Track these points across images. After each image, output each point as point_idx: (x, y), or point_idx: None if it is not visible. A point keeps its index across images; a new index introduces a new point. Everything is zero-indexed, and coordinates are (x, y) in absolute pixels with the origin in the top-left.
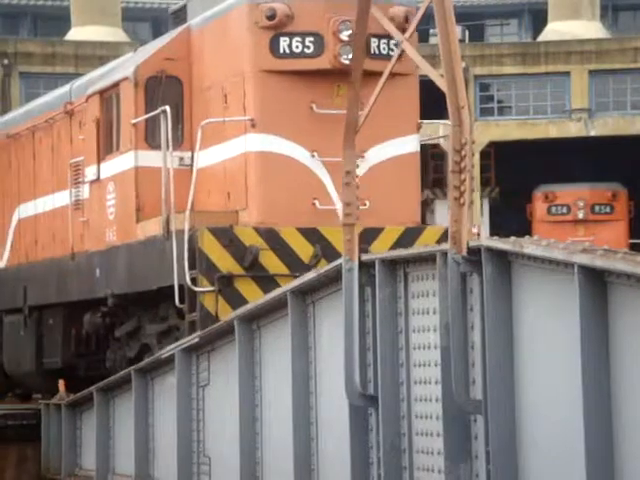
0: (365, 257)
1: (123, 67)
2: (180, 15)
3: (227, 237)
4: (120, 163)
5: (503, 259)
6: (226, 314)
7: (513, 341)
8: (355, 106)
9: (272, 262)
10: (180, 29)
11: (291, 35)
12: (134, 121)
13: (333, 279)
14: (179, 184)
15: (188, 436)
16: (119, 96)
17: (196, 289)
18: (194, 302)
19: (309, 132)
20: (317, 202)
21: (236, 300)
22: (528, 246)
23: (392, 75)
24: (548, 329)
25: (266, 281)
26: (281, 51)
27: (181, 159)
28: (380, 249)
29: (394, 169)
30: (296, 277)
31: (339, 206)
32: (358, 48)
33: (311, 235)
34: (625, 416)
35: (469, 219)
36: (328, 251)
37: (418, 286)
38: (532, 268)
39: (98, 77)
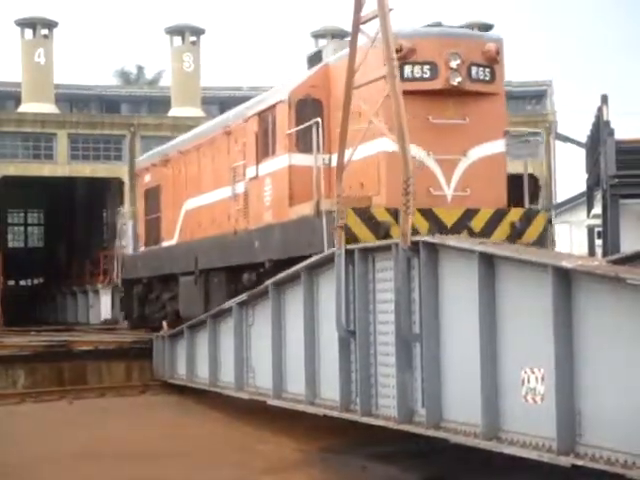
0: (349, 247)
1: (276, 94)
2: (315, 58)
3: (366, 215)
4: (276, 163)
5: (433, 248)
6: None
7: (438, 299)
8: (343, 146)
9: (398, 234)
10: (320, 65)
11: (413, 64)
12: (288, 132)
13: (330, 260)
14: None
15: (241, 355)
16: (275, 114)
17: None
18: None
19: (426, 137)
20: (431, 189)
21: None
22: (449, 241)
23: (485, 94)
24: (459, 293)
25: None
26: (406, 76)
27: (323, 159)
28: (477, 225)
29: (487, 165)
30: None
31: (448, 192)
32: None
33: (426, 214)
34: (503, 344)
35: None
36: (439, 226)
37: (381, 265)
38: (451, 254)
39: (251, 105)
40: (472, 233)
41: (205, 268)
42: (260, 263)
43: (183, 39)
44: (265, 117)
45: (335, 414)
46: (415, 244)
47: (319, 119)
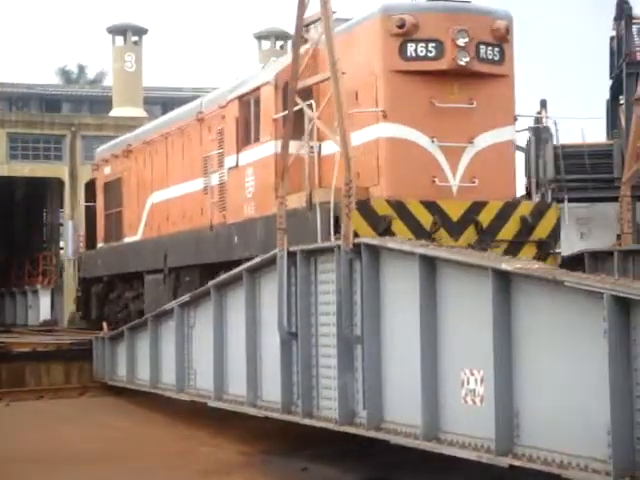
0: (291, 248)
1: (260, 76)
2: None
3: (365, 207)
4: (260, 151)
5: (374, 250)
6: None
7: (379, 301)
8: (287, 144)
9: (400, 229)
10: (308, 45)
11: (417, 41)
12: (275, 116)
13: (272, 262)
14: (309, 168)
15: (182, 357)
16: (259, 98)
17: None
18: None
19: (429, 122)
20: (436, 179)
21: None
22: (389, 242)
23: (494, 76)
24: (401, 295)
25: None
26: (408, 55)
27: (312, 148)
28: (485, 219)
29: (496, 153)
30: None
31: (454, 183)
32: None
33: (431, 207)
34: (443, 346)
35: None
36: (444, 220)
37: (323, 267)
38: (393, 256)
39: (231, 89)
40: (480, 227)
41: (175, 266)
42: (240, 260)
43: (125, 39)
44: (247, 101)
45: (276, 416)
46: (357, 246)
47: (312, 101)
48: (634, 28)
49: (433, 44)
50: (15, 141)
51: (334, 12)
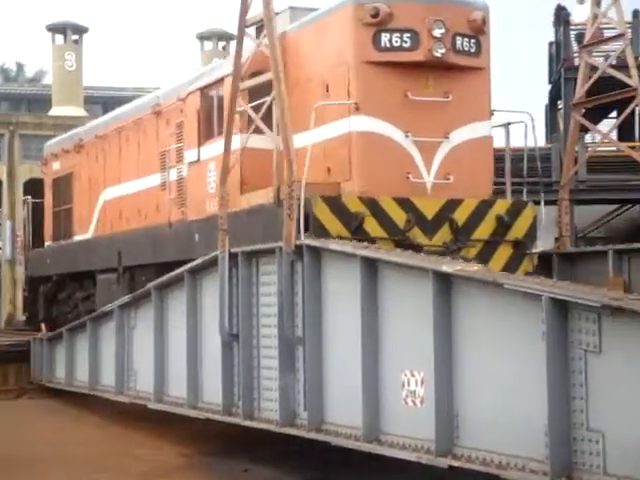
0: (233, 250)
1: (224, 66)
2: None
3: (336, 204)
4: (223, 146)
5: (316, 252)
6: None
7: (321, 302)
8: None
9: (373, 227)
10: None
11: (391, 31)
12: (239, 109)
13: (213, 263)
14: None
15: (122, 359)
16: (222, 90)
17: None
18: None
19: (403, 115)
20: (410, 175)
21: None
22: (331, 244)
23: (470, 69)
24: (342, 296)
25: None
26: (382, 45)
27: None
28: (460, 218)
29: (471, 150)
30: (394, 240)
31: (428, 179)
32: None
33: (404, 204)
34: (384, 347)
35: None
36: (418, 218)
37: (265, 268)
38: (334, 258)
39: (191, 80)
40: (455, 226)
41: (130, 265)
42: None
43: (65, 37)
44: (209, 93)
45: (217, 418)
46: (299, 247)
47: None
48: (572, 34)
49: (408, 34)
50: None
51: (277, 13)
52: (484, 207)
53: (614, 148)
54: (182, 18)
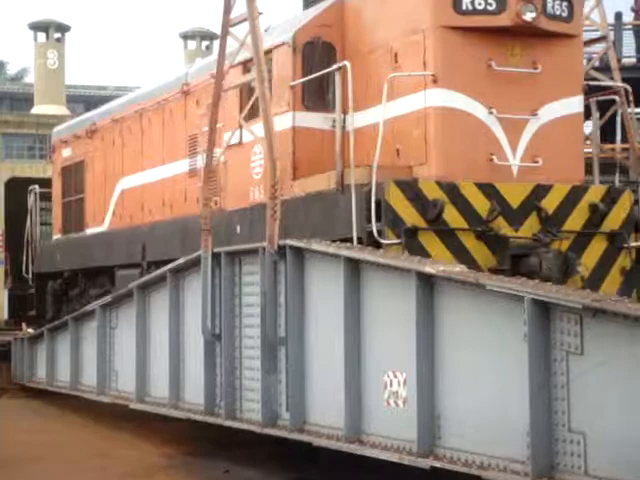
0: (215, 250)
1: (275, 36)
2: None
3: (412, 190)
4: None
5: (299, 252)
6: None
7: (304, 303)
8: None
9: (453, 216)
10: (332, 1)
11: None
12: (293, 84)
13: (196, 262)
14: (330, 146)
15: (103, 359)
16: (271, 62)
17: (383, 241)
18: None
19: (487, 89)
20: (495, 157)
21: (419, 253)
22: (314, 245)
23: (562, 36)
24: (325, 297)
25: (448, 235)
26: (464, 7)
27: (334, 120)
28: (549, 206)
29: (563, 129)
30: (477, 231)
31: (514, 162)
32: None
33: (487, 190)
34: (367, 348)
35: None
36: (503, 206)
37: (248, 268)
38: (317, 258)
39: (230, 54)
40: (545, 215)
41: (156, 260)
42: None
43: (47, 35)
44: (252, 67)
45: (199, 418)
46: (282, 248)
47: (346, 62)
48: None
49: None
50: None
51: (260, 13)
52: (576, 194)
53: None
54: (165, 17)
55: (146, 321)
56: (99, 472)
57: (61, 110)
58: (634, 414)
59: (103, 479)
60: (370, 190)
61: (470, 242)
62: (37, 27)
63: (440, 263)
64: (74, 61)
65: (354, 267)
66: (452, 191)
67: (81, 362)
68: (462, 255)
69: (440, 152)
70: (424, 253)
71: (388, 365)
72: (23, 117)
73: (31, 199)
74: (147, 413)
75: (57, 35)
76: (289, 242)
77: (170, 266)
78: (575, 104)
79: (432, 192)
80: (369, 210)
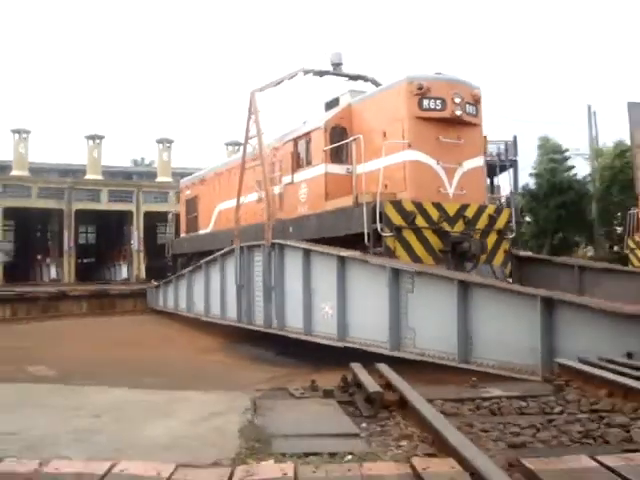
0: (241, 244)
1: (311, 124)
2: (333, 102)
3: (398, 206)
4: (312, 172)
5: (281, 246)
6: (397, 249)
7: (283, 270)
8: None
9: (420, 221)
10: (344, 105)
11: (429, 98)
12: (325, 148)
13: (232, 252)
14: (345, 182)
15: (191, 295)
16: (310, 138)
17: (383, 234)
18: (378, 242)
19: (436, 151)
20: (441, 189)
21: (402, 241)
22: (289, 242)
23: (472, 124)
24: (294, 268)
25: (418, 231)
26: (424, 107)
27: (347, 169)
28: (469, 215)
29: (474, 174)
30: (432, 229)
31: (450, 191)
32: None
33: (437, 206)
34: (314, 291)
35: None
36: (445, 215)
37: (257, 254)
38: (290, 249)
39: (284, 135)
40: (466, 220)
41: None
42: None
43: (163, 145)
44: (299, 141)
45: (234, 324)
46: (273, 244)
47: (360, 135)
48: None
49: (439, 100)
50: None
51: (262, 133)
52: (482, 209)
53: None
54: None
55: (209, 279)
56: (188, 348)
57: (169, 179)
58: (435, 319)
59: (190, 351)
60: (375, 206)
61: (429, 235)
62: (159, 141)
63: (350, 251)
64: (177, 156)
65: (307, 253)
66: (419, 207)
67: (179, 297)
68: (424, 242)
69: (412, 185)
70: (405, 242)
71: (324, 298)
72: (151, 184)
73: (170, 217)
74: (210, 323)
75: (167, 145)
76: (276, 241)
77: (219, 253)
78: (480, 161)
79: (409, 207)
80: (375, 216)
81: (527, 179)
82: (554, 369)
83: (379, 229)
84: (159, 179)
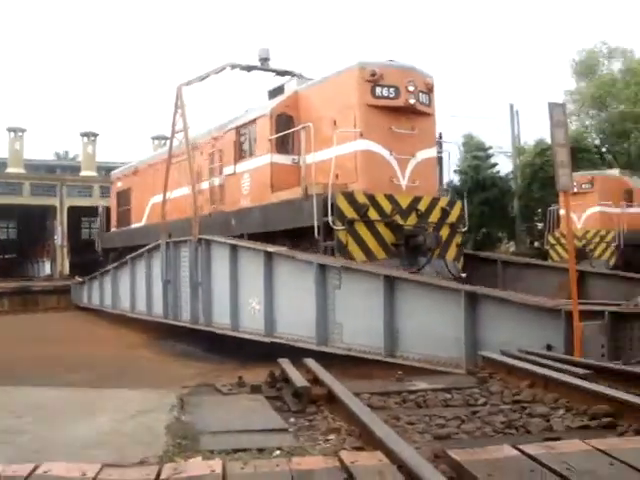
0: (168, 240)
1: (257, 111)
2: (278, 90)
3: (350, 197)
4: (256, 162)
5: (208, 241)
6: (350, 244)
7: (210, 265)
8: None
9: (372, 213)
10: (290, 92)
11: (382, 86)
12: (271, 137)
13: (158, 247)
14: (291, 173)
15: (117, 290)
16: (255, 126)
17: (335, 227)
18: (329, 236)
19: (389, 141)
20: (394, 180)
21: (355, 235)
22: (215, 238)
23: (426, 114)
24: (221, 263)
25: (370, 224)
26: (377, 94)
27: (293, 159)
28: (422, 208)
29: (426, 165)
30: (385, 222)
31: (403, 183)
32: None
33: (390, 198)
34: (241, 286)
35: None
36: (398, 208)
37: (183, 249)
38: (217, 244)
39: (225, 124)
40: (419, 213)
41: (173, 240)
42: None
43: (89, 138)
44: (243, 129)
45: (160, 320)
46: (199, 240)
47: (310, 123)
48: None
49: (393, 89)
50: None
51: (188, 127)
52: (434, 202)
53: None
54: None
55: (135, 274)
56: (114, 344)
57: (93, 174)
58: (362, 314)
59: (116, 347)
60: (326, 197)
61: (382, 228)
62: (84, 134)
63: (275, 247)
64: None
65: (234, 249)
66: (372, 199)
67: (105, 293)
68: (377, 235)
69: (364, 175)
70: (357, 235)
71: (251, 294)
72: (75, 178)
73: (100, 211)
74: (136, 319)
75: (92, 138)
76: (203, 237)
77: (146, 248)
78: (433, 152)
79: (361, 199)
80: (326, 209)
81: (452, 175)
82: (478, 362)
83: (330, 222)
84: (83, 173)
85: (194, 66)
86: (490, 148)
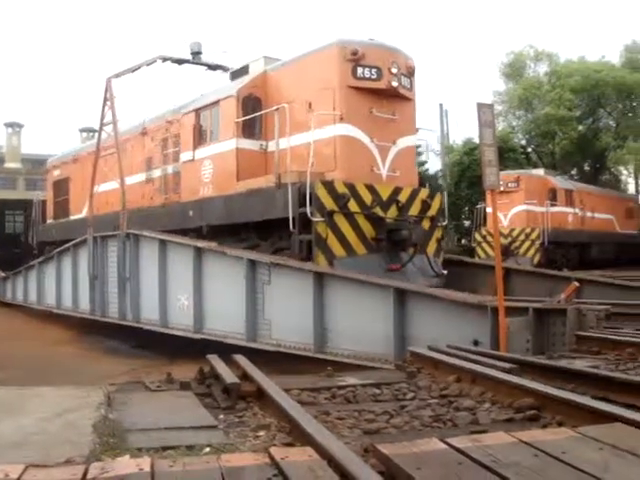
0: (95, 235)
1: (223, 92)
2: (241, 71)
3: (330, 187)
4: (219, 147)
5: (136, 236)
6: (329, 236)
7: (138, 260)
8: None
9: (352, 205)
10: (258, 73)
11: (364, 66)
12: (238, 120)
13: (85, 241)
14: (258, 160)
15: (42, 285)
16: (218, 109)
17: (313, 219)
18: (305, 228)
19: (370, 126)
20: (374, 168)
21: (334, 227)
22: (144, 232)
23: (407, 99)
24: (150, 258)
25: (350, 216)
26: (358, 75)
27: (261, 145)
28: (402, 199)
29: (407, 154)
30: (365, 214)
31: (384, 172)
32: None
33: (370, 188)
34: (170, 282)
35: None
36: (379, 199)
37: (111, 244)
38: (146, 239)
39: (184, 106)
40: (400, 205)
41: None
42: (196, 228)
43: (13, 129)
44: (203, 112)
45: (87, 316)
46: (128, 234)
47: (285, 105)
48: None
49: (375, 69)
50: None
51: (118, 120)
52: (415, 193)
53: None
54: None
55: (61, 269)
56: (38, 340)
57: (17, 165)
58: (292, 310)
59: (41, 343)
60: (302, 186)
61: (362, 220)
62: (8, 125)
63: (205, 242)
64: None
65: (163, 244)
66: (352, 188)
67: (30, 288)
68: (357, 228)
69: (343, 163)
70: (337, 228)
71: (180, 290)
72: None
73: (35, 201)
74: (63, 315)
75: (17, 129)
76: (131, 231)
77: (72, 242)
78: (413, 139)
79: (341, 189)
80: (304, 199)
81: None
82: (407, 357)
83: (309, 213)
84: (7, 165)
85: (127, 58)
86: (419, 146)
